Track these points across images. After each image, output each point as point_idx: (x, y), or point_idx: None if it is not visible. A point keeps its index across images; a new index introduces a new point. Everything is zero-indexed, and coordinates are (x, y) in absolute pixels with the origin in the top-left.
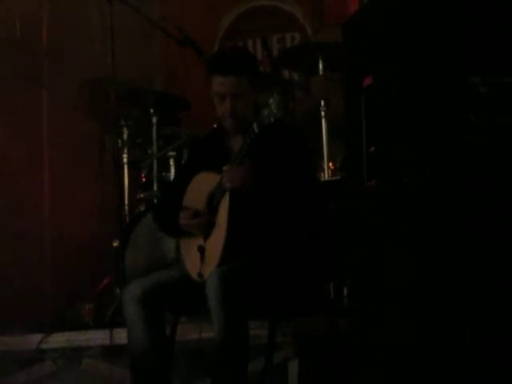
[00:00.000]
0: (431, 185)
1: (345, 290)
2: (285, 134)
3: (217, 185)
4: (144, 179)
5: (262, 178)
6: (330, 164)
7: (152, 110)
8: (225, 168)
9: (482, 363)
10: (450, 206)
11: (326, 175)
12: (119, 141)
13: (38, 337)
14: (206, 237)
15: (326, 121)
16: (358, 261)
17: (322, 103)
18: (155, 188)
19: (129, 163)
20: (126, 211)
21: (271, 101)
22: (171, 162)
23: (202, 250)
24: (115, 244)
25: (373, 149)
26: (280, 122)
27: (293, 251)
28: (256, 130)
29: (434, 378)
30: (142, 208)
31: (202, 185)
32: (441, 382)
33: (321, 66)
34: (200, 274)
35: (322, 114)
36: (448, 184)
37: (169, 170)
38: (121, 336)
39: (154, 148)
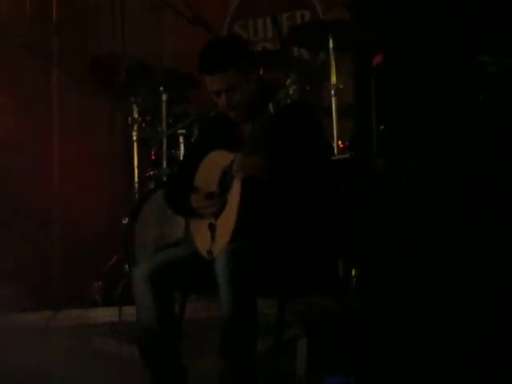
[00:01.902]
0: (439, 170)
1: (353, 270)
2: (301, 115)
3: (231, 162)
4: (154, 157)
5: (277, 157)
6: (339, 142)
7: (162, 88)
8: (236, 157)
9: (482, 363)
10: (459, 193)
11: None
12: (129, 118)
13: (47, 314)
14: (217, 215)
15: (335, 99)
16: (365, 244)
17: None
18: (165, 166)
19: (138, 141)
20: (136, 189)
21: (288, 82)
22: (181, 139)
23: (212, 227)
24: (124, 221)
25: (382, 127)
26: (297, 103)
27: (302, 230)
28: (272, 110)
29: (433, 365)
30: (152, 186)
31: (215, 163)
32: (440, 378)
33: (331, 44)
34: (209, 252)
35: (332, 92)
36: (457, 171)
37: (178, 148)
38: (130, 313)
39: (164, 125)
